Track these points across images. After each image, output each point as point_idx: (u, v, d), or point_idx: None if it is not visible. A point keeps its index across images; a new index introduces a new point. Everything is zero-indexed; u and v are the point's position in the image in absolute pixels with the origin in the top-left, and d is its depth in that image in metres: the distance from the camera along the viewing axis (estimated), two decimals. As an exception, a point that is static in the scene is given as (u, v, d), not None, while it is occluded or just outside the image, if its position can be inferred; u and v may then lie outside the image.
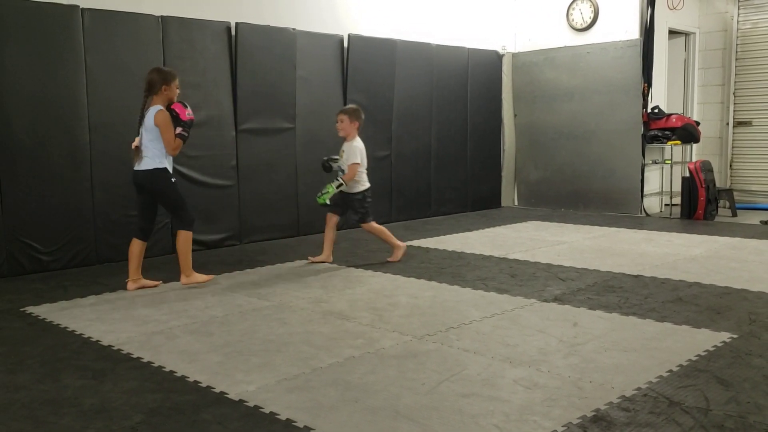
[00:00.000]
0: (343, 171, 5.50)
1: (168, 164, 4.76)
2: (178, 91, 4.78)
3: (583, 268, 5.29)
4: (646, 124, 8.34)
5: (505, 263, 5.57)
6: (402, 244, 5.76)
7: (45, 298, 4.60)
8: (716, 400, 2.73)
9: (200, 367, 3.21)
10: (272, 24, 6.74)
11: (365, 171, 5.60)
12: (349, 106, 5.81)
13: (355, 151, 5.49)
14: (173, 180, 4.80)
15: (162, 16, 5.96)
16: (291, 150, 6.95)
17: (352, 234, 7.19)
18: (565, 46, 8.87)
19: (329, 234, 5.68)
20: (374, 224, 5.68)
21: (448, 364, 3.20)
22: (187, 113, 4.72)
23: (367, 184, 5.61)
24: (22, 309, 4.33)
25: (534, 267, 5.39)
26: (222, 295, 4.62)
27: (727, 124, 9.28)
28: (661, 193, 8.94)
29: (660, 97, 8.71)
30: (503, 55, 9.25)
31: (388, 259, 5.69)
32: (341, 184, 5.42)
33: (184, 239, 4.83)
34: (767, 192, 8.99)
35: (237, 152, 6.55)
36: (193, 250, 6.18)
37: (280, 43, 6.78)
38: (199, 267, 5.56)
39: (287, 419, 2.62)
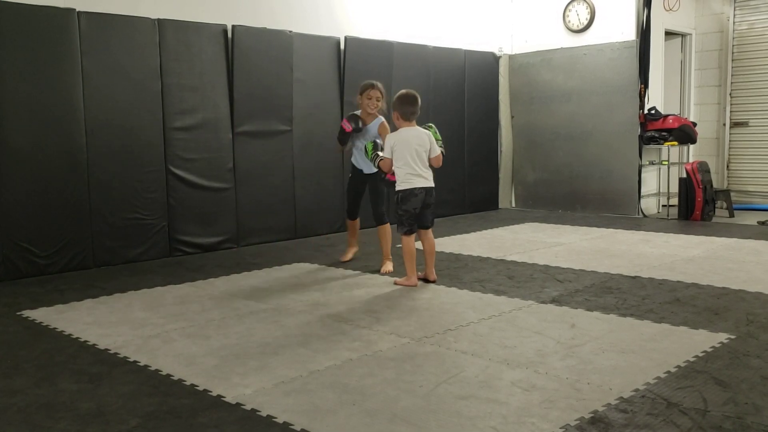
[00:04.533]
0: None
1: (354, 161, 5.64)
2: (367, 101, 5.40)
3: (580, 270, 5.29)
4: (643, 125, 8.35)
5: (503, 265, 5.56)
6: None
7: (41, 301, 4.59)
8: (714, 401, 2.73)
9: (197, 370, 3.20)
10: (269, 26, 6.74)
11: (408, 170, 4.76)
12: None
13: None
14: (350, 175, 5.75)
15: (158, 19, 5.96)
16: (288, 152, 6.94)
17: (349, 236, 7.18)
18: (562, 48, 8.87)
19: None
20: (404, 239, 4.86)
21: (446, 366, 3.20)
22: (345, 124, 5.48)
23: (405, 185, 4.76)
24: (18, 313, 4.31)
25: (531, 268, 5.39)
26: (219, 298, 4.61)
27: (724, 125, 9.29)
28: (658, 194, 8.95)
29: (657, 98, 8.72)
30: (500, 56, 9.25)
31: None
32: (376, 155, 4.92)
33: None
34: (764, 192, 9.01)
35: (234, 155, 6.54)
36: (189, 253, 6.23)
37: (277, 45, 6.78)
38: (195, 270, 5.57)
39: (284, 422, 2.61)
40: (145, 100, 5.92)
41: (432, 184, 4.88)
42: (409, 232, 4.83)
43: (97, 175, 5.69)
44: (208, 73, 6.30)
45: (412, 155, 4.74)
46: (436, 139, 4.89)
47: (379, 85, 5.44)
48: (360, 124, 5.39)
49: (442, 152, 4.89)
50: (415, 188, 4.75)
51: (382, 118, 5.47)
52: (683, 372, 3.05)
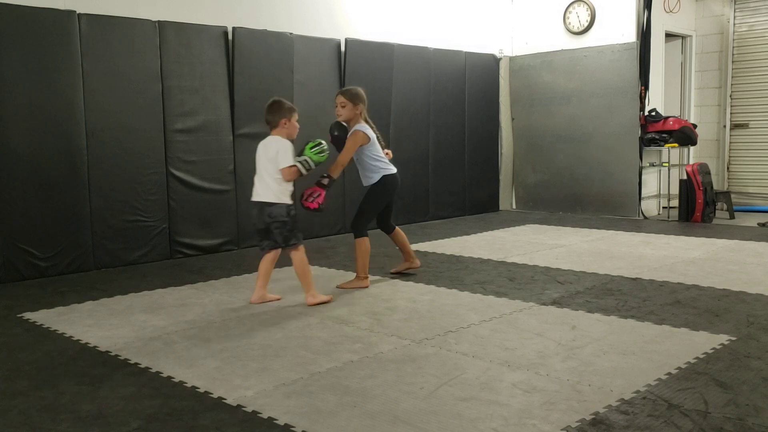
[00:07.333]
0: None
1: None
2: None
3: (581, 271, 5.29)
4: (644, 127, 8.35)
5: (504, 267, 5.56)
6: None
7: (42, 304, 4.59)
8: (715, 402, 2.73)
9: (198, 372, 3.20)
10: (269, 29, 6.74)
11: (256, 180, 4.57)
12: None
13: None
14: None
15: (159, 21, 5.96)
16: (288, 154, 6.94)
17: (349, 239, 7.17)
18: (562, 50, 8.88)
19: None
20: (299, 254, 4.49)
21: (447, 368, 3.20)
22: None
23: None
24: (19, 315, 4.31)
25: (532, 270, 5.39)
26: (219, 300, 4.61)
27: (724, 126, 9.29)
28: (658, 195, 8.94)
29: (657, 100, 8.72)
30: (500, 58, 9.26)
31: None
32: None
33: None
34: (764, 194, 9.01)
35: (234, 157, 6.54)
36: (190, 255, 6.23)
37: (278, 47, 6.78)
38: (196, 272, 5.57)
39: (285, 424, 2.61)
40: (145, 103, 5.92)
41: (266, 199, 4.35)
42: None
43: (98, 178, 5.69)
44: (208, 76, 6.31)
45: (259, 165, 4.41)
46: (309, 155, 4.39)
47: (350, 90, 4.88)
48: (336, 132, 4.96)
49: (301, 165, 4.41)
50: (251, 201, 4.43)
51: (355, 128, 4.88)
52: (684, 373, 3.05)
